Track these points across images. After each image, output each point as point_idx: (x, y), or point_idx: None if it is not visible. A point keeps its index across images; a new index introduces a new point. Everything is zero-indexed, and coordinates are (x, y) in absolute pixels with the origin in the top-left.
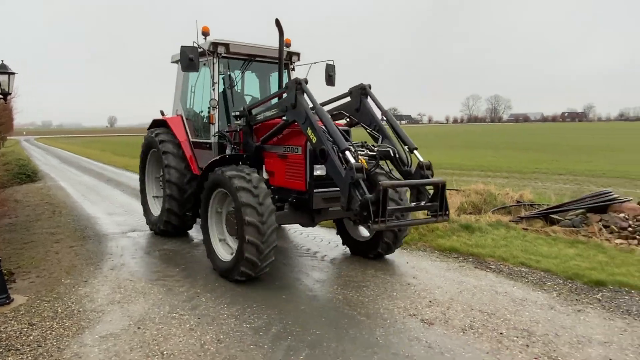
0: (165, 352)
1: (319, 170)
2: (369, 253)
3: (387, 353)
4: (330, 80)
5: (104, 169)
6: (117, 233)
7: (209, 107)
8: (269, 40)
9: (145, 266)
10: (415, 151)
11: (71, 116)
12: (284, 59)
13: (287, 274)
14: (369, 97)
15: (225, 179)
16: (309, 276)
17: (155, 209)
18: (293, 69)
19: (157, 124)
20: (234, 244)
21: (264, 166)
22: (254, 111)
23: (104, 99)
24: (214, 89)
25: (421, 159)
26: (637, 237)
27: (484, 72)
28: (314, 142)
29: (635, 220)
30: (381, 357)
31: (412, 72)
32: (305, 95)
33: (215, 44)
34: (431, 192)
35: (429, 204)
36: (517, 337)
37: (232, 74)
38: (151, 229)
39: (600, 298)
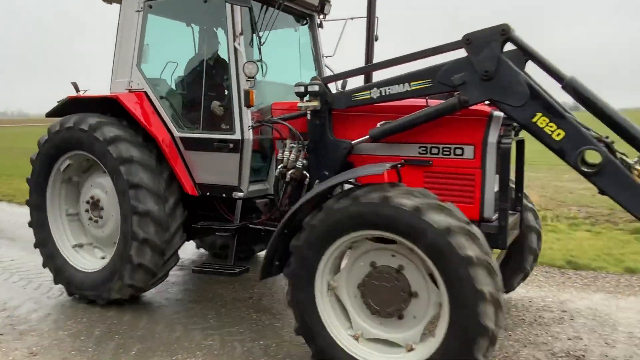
0: None
1: (497, 185)
2: None
3: (222, 331)
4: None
5: None
6: None
7: (226, 78)
8: None
9: None
10: None
11: None
12: (314, 8)
13: None
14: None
15: (433, 231)
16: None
17: (84, 263)
18: (320, 26)
19: (82, 106)
20: (388, 332)
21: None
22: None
23: None
24: (239, 44)
25: None
26: None
27: None
28: (558, 139)
29: None
30: (215, 338)
31: None
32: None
33: None
34: None
35: None
36: None
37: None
38: (76, 294)
39: None
